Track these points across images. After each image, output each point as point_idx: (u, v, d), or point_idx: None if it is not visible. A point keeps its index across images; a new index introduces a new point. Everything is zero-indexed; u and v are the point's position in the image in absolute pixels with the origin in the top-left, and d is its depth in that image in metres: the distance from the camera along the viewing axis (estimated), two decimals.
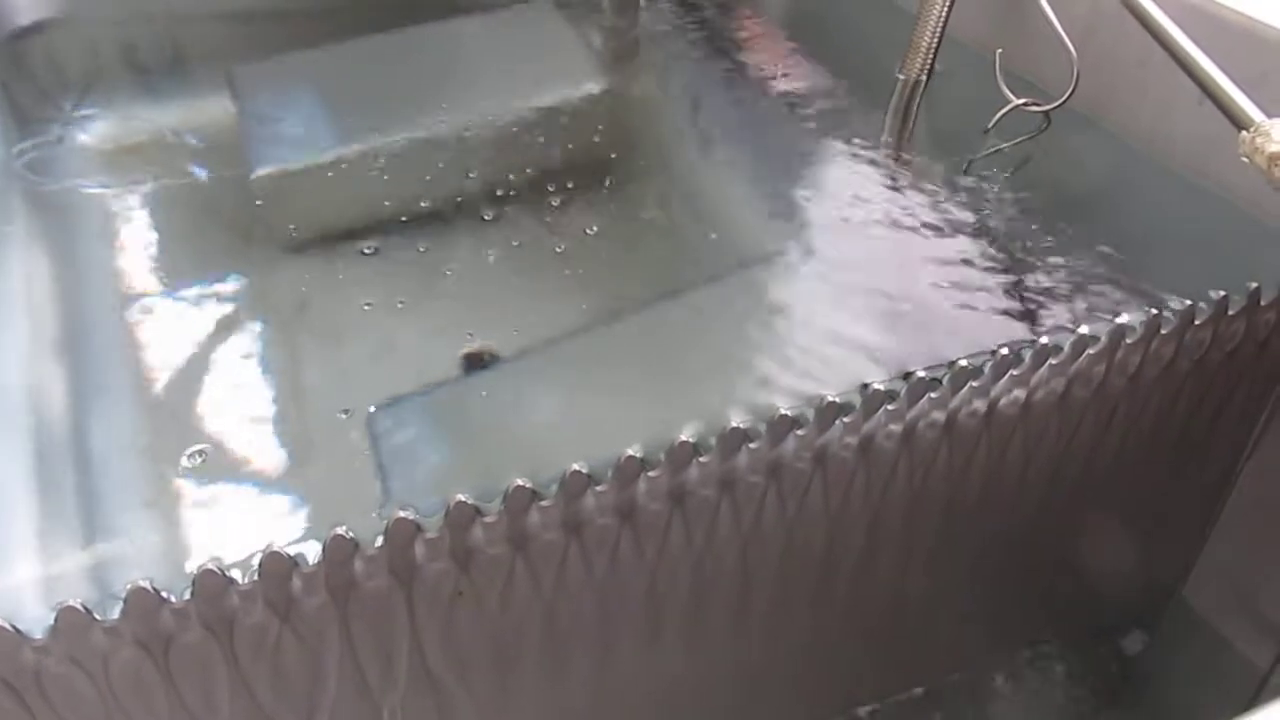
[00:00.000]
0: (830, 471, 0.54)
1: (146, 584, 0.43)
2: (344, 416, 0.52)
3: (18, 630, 0.42)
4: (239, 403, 0.55)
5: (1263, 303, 0.60)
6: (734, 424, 0.50)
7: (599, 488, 0.48)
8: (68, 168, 0.73)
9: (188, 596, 0.43)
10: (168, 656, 0.45)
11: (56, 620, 0.42)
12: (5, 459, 0.51)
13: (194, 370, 0.56)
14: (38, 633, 0.42)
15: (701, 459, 0.50)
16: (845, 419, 0.52)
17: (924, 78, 0.81)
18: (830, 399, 0.51)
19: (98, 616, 0.43)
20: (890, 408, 0.53)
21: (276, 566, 0.44)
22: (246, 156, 0.74)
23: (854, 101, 0.82)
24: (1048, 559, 0.69)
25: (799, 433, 0.51)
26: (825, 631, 0.63)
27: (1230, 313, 0.60)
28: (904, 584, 0.63)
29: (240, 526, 0.48)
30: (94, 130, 0.77)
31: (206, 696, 0.47)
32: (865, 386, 0.52)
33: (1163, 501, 0.70)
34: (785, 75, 0.85)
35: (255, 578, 0.44)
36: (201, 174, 0.72)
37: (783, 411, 0.50)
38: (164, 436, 0.52)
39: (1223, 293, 0.59)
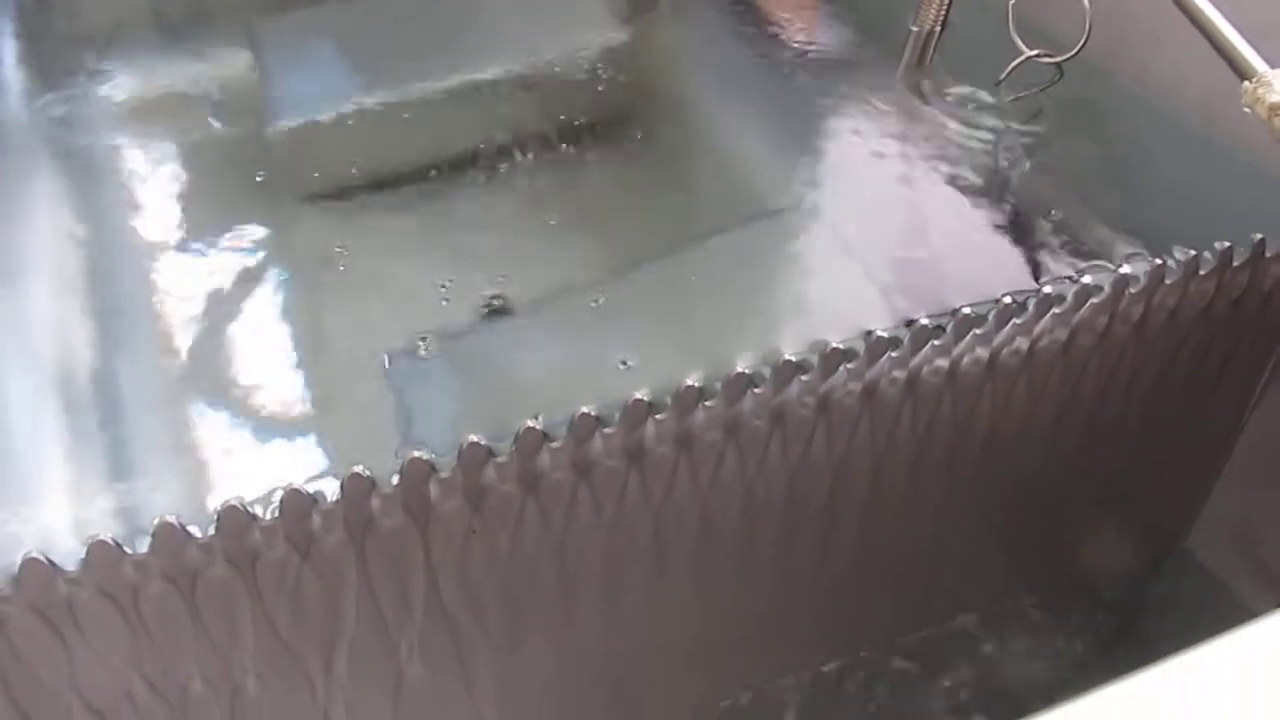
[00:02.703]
0: (834, 418, 0.55)
1: (173, 519, 0.44)
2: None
3: (51, 563, 0.44)
4: (261, 351, 0.56)
5: (1268, 254, 0.60)
6: (739, 369, 0.51)
7: (607, 430, 0.50)
8: (91, 122, 0.73)
9: (212, 532, 0.45)
10: (194, 590, 0.47)
11: (88, 553, 0.44)
12: (34, 404, 0.52)
13: (216, 319, 0.58)
14: (70, 565, 0.44)
15: (707, 403, 0.51)
16: (849, 365, 0.53)
17: (938, 29, 0.81)
18: (834, 345, 0.52)
19: (127, 550, 0.44)
20: (894, 354, 0.54)
21: (297, 503, 0.46)
22: (267, 109, 0.75)
23: (869, 52, 0.82)
24: (1052, 508, 0.70)
25: (803, 378, 0.52)
26: (829, 575, 0.64)
27: (1235, 264, 0.60)
28: (907, 531, 0.65)
29: (262, 467, 0.50)
30: (116, 84, 0.77)
31: (231, 629, 0.49)
32: (869, 333, 0.53)
33: (1167, 452, 0.71)
34: (801, 25, 0.85)
35: (276, 514, 0.46)
36: (222, 127, 0.73)
37: (787, 357, 0.52)
38: (187, 383, 0.54)
39: (1227, 244, 0.59)
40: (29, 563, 0.43)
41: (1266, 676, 0.35)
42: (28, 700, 0.48)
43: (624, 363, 0.54)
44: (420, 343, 0.53)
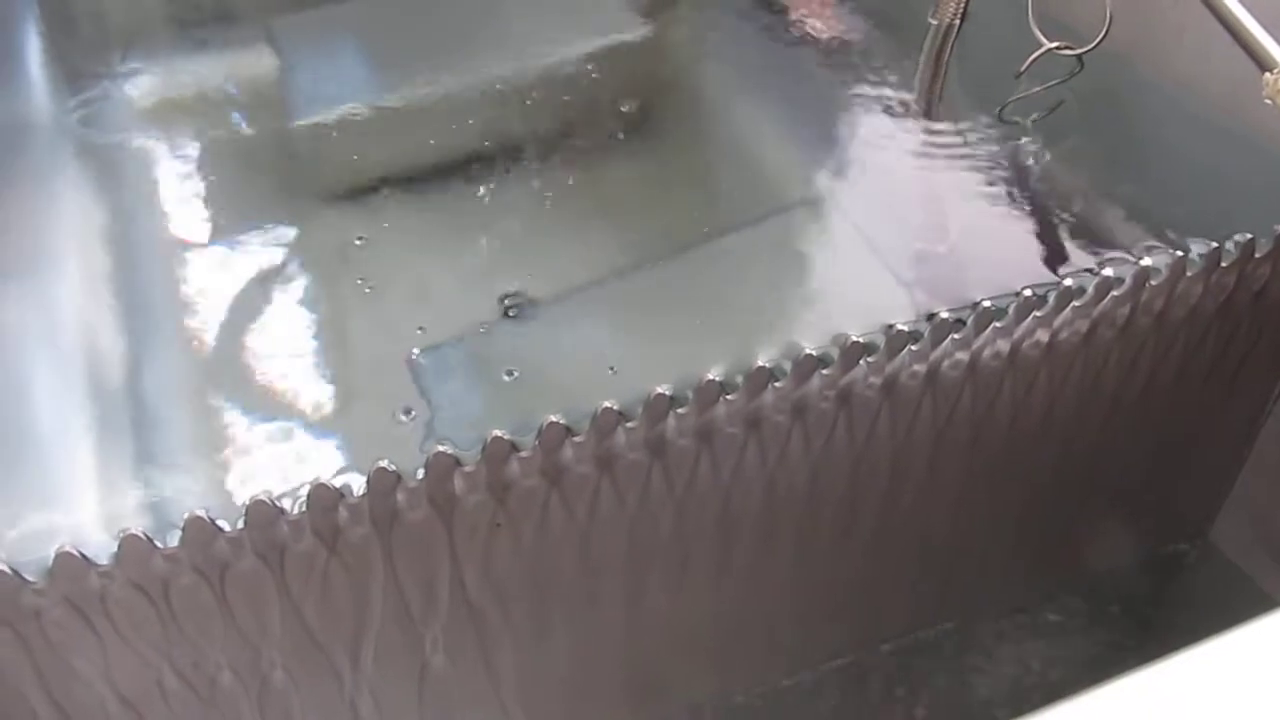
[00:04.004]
0: (855, 411, 0.55)
1: (203, 513, 0.45)
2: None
3: (84, 556, 0.44)
4: (285, 346, 0.56)
5: None
6: (760, 363, 0.51)
7: (629, 424, 0.50)
8: (116, 121, 0.74)
9: (241, 525, 0.46)
10: (223, 582, 0.48)
11: (119, 547, 0.45)
12: (63, 402, 0.53)
13: (240, 314, 0.58)
14: (102, 558, 0.45)
15: (728, 397, 0.51)
16: (869, 359, 0.53)
17: (957, 22, 0.81)
18: (855, 339, 0.53)
19: (158, 544, 0.45)
20: (914, 348, 0.54)
21: (323, 497, 0.46)
22: (288, 107, 0.76)
23: (888, 47, 0.82)
24: (1074, 500, 0.70)
25: (824, 372, 0.53)
26: (850, 568, 0.65)
27: (1257, 255, 0.60)
28: (928, 523, 0.65)
29: (288, 462, 0.50)
30: (141, 84, 0.78)
31: (259, 620, 0.50)
32: (890, 327, 0.54)
33: (1189, 443, 0.71)
34: (819, 19, 0.85)
35: (303, 508, 0.46)
36: (245, 125, 0.74)
37: (808, 351, 0.52)
38: (212, 378, 0.54)
39: (1249, 236, 0.59)
40: (62, 556, 0.44)
41: None
42: (61, 690, 0.49)
43: (646, 356, 0.54)
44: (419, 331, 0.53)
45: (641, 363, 0.54)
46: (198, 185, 0.68)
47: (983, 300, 0.55)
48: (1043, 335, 0.57)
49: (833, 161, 0.71)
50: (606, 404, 0.49)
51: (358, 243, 0.62)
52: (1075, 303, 0.57)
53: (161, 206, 0.66)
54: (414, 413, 0.51)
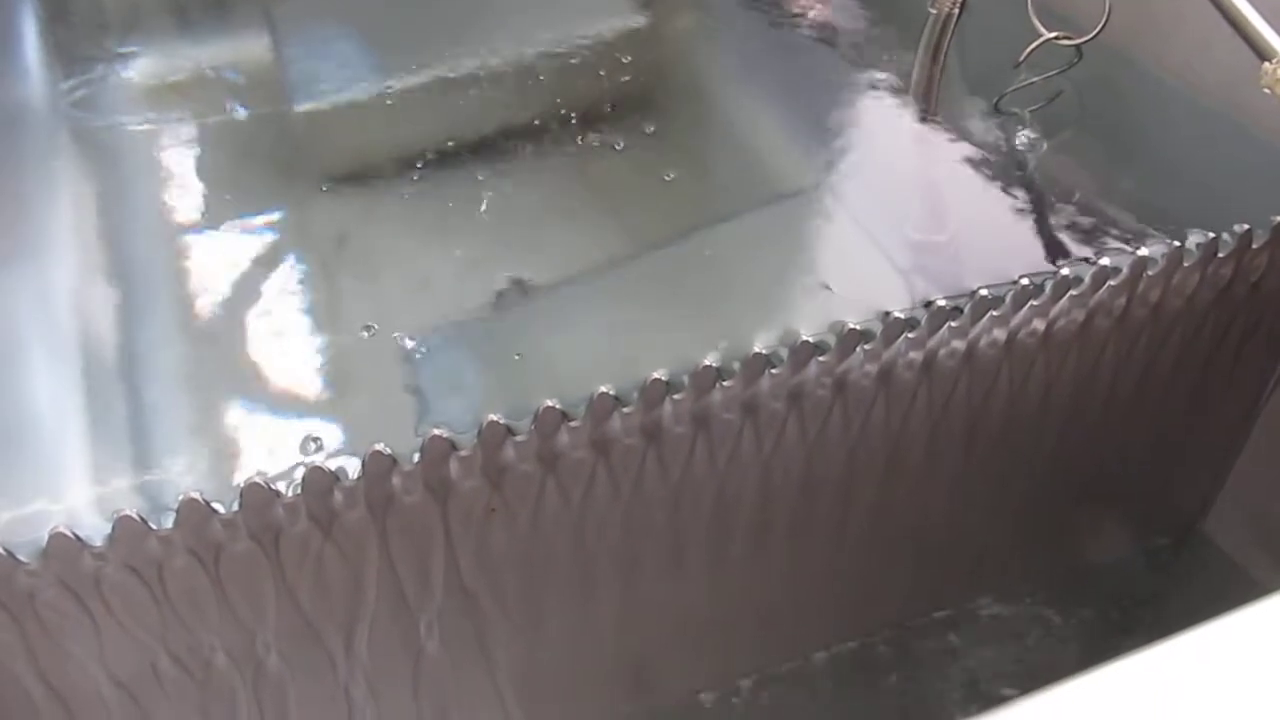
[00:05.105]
0: (851, 398, 0.55)
1: (197, 495, 0.45)
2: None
3: (78, 538, 0.44)
4: (281, 331, 0.56)
5: None
6: (756, 349, 0.51)
7: (625, 409, 0.50)
8: (112, 104, 0.74)
9: (236, 508, 0.46)
10: (218, 565, 0.48)
11: (114, 529, 0.45)
12: (58, 386, 0.53)
13: (236, 300, 0.58)
14: (97, 540, 0.45)
15: (725, 384, 0.51)
16: (866, 346, 0.53)
17: (956, 11, 0.81)
18: (851, 326, 0.53)
19: (152, 526, 0.45)
20: (910, 336, 0.54)
21: (318, 480, 0.46)
22: (286, 92, 0.76)
23: (887, 35, 0.82)
24: (1069, 490, 0.71)
25: (820, 359, 0.53)
26: (846, 555, 0.65)
27: (1255, 246, 0.60)
28: (924, 511, 0.65)
29: (282, 448, 0.50)
30: (137, 68, 0.78)
31: (254, 604, 0.50)
32: (886, 314, 0.54)
33: (1186, 433, 0.71)
34: (820, 8, 0.85)
35: (298, 491, 0.46)
36: (242, 110, 0.74)
37: (804, 338, 0.52)
38: (207, 364, 0.54)
39: (1246, 226, 0.59)
40: (56, 538, 0.44)
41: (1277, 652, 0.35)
42: (56, 673, 0.49)
43: (642, 343, 0.54)
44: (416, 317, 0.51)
45: (638, 349, 0.54)
46: (194, 169, 0.68)
47: (980, 289, 0.55)
48: (1039, 324, 0.57)
49: (831, 149, 0.71)
50: (602, 389, 0.49)
51: (356, 229, 0.62)
52: (1072, 292, 0.57)
53: (157, 191, 0.66)
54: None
